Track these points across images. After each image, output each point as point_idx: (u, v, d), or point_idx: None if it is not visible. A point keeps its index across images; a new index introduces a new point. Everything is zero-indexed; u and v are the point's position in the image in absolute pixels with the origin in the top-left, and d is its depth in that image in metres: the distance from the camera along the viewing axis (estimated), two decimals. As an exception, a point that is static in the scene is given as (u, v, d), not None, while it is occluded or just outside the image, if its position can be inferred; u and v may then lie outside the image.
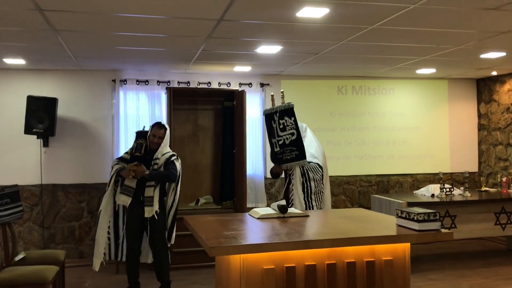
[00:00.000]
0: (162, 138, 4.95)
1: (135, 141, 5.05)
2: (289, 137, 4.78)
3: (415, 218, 2.82)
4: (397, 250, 2.83)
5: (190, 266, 6.01)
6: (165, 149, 5.01)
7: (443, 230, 2.83)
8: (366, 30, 4.53)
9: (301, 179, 4.77)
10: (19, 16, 3.94)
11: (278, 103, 5.08)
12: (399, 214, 2.99)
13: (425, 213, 2.82)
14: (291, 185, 4.79)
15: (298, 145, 4.78)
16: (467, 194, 6.23)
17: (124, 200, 4.91)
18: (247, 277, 2.61)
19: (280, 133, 4.81)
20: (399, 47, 5.33)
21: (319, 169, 4.95)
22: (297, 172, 4.80)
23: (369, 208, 7.10)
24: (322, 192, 4.92)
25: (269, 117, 4.99)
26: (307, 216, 3.41)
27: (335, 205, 7.43)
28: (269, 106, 6.88)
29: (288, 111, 4.84)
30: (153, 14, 3.92)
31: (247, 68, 6.57)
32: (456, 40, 5.02)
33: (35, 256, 4.78)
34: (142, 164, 4.86)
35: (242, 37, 4.78)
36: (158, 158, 4.92)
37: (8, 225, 4.72)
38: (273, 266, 2.66)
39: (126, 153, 5.15)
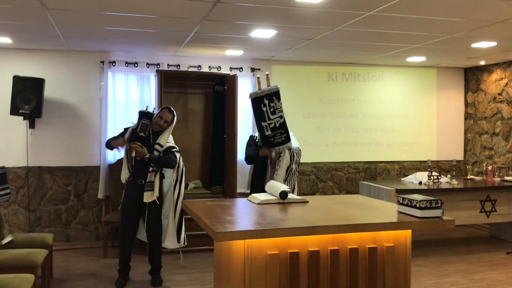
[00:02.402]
0: (168, 123, 4.86)
1: (140, 120, 4.88)
2: (279, 120, 4.78)
3: (418, 205, 2.84)
4: (399, 236, 2.86)
5: (177, 251, 5.98)
6: (169, 138, 4.94)
7: (444, 218, 2.86)
8: (363, 17, 4.51)
9: (288, 161, 4.83)
10: (10, -8, 3.81)
11: (264, 86, 5.00)
12: (401, 201, 3.01)
13: (427, 200, 2.84)
14: (278, 166, 4.81)
15: (285, 128, 4.81)
16: (454, 182, 6.32)
17: (125, 177, 4.86)
18: (251, 263, 2.60)
19: (271, 116, 4.78)
20: (393, 34, 5.34)
21: (300, 152, 5.06)
22: (287, 155, 4.84)
23: (357, 194, 7.17)
24: (296, 175, 5.03)
25: (257, 100, 4.90)
26: (306, 202, 3.41)
27: (323, 191, 7.48)
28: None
29: (275, 94, 4.81)
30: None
31: (239, 52, 6.50)
32: (449, 29, 5.04)
33: (23, 239, 4.70)
34: (143, 146, 4.79)
35: (238, 20, 4.71)
36: (161, 145, 4.82)
37: (-5, 208, 4.63)
38: (277, 252, 2.65)
39: (126, 129, 4.97)
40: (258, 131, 4.90)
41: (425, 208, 2.82)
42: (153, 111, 5.03)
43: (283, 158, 4.84)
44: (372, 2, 4.07)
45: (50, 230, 6.36)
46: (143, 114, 4.95)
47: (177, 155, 4.95)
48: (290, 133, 4.89)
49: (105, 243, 5.92)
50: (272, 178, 4.79)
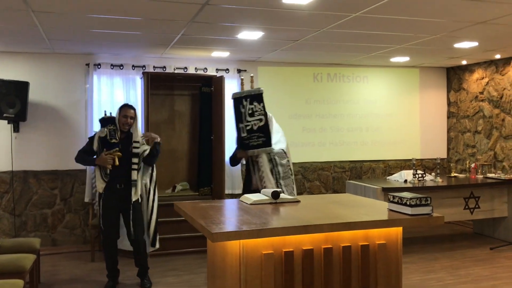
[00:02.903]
0: (133, 118, 4.80)
1: (106, 128, 4.78)
2: (257, 123, 4.74)
3: (408, 203, 2.90)
4: (390, 234, 2.91)
5: (168, 253, 5.98)
6: (140, 132, 4.94)
7: (434, 214, 2.93)
8: (349, 18, 4.57)
9: (269, 165, 4.75)
10: (-4, -5, 3.77)
11: (247, 87, 5.02)
12: (391, 199, 3.06)
13: (417, 198, 2.91)
14: (261, 172, 4.74)
15: (265, 131, 4.75)
16: (439, 179, 6.42)
17: (102, 186, 4.77)
18: (247, 262, 2.63)
19: (249, 118, 4.76)
20: (378, 35, 5.41)
21: (284, 154, 4.93)
22: (265, 159, 4.75)
23: (343, 193, 7.24)
24: (290, 178, 4.91)
25: (237, 101, 4.88)
26: (298, 201, 3.45)
27: (310, 191, 7.54)
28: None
29: (257, 97, 4.78)
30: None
31: (225, 54, 6.52)
32: (432, 30, 5.13)
33: (10, 245, 4.65)
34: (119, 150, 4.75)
35: (225, 22, 4.73)
36: (138, 142, 4.79)
37: (-19, 213, 4.57)
38: (272, 251, 2.68)
39: (91, 139, 4.90)
40: (236, 132, 4.90)
41: (415, 205, 2.89)
42: (111, 115, 5.03)
43: (263, 163, 4.76)
44: (358, 4, 4.12)
45: (36, 234, 6.29)
46: (107, 121, 4.89)
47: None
48: (279, 134, 4.89)
49: (92, 247, 5.87)
50: (258, 182, 4.76)
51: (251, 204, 3.31)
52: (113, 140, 4.73)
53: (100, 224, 4.89)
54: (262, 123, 4.73)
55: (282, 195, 3.40)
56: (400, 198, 2.96)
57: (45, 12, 4.27)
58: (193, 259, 5.84)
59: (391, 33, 5.30)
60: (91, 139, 4.87)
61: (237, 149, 4.99)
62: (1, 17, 4.46)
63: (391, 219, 2.84)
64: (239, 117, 4.85)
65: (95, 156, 4.77)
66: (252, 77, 5.04)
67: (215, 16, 4.48)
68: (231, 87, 6.92)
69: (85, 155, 4.85)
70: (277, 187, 4.71)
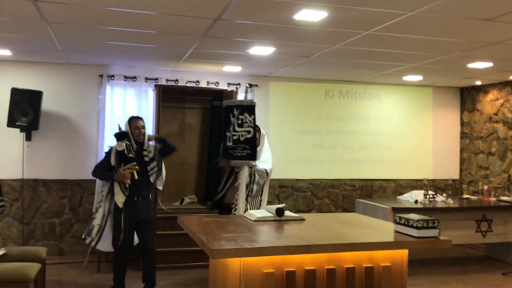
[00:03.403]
0: (144, 127, 4.94)
1: (122, 142, 4.85)
2: (245, 134, 4.68)
3: (414, 225, 2.84)
4: (396, 256, 2.85)
5: (172, 266, 5.94)
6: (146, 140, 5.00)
7: (441, 237, 2.86)
8: (361, 36, 4.56)
9: (247, 179, 4.67)
10: (10, 6, 3.83)
11: (241, 97, 5.04)
12: (398, 221, 3.00)
13: (424, 220, 2.85)
14: (237, 183, 4.70)
15: (251, 144, 4.67)
16: (450, 201, 6.32)
17: (121, 200, 4.83)
18: (247, 281, 2.59)
19: (237, 128, 4.69)
20: (390, 54, 5.38)
21: (265, 175, 4.85)
22: (245, 172, 4.68)
23: (353, 212, 7.16)
24: (260, 199, 4.84)
25: (228, 109, 4.82)
26: (303, 219, 3.40)
27: (319, 209, 7.47)
28: (258, 105, 6.92)
29: (249, 108, 4.73)
30: (147, 10, 3.86)
31: (237, 68, 6.54)
32: (446, 49, 5.09)
33: (16, 253, 4.64)
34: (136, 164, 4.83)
35: (237, 37, 4.75)
36: (147, 150, 4.91)
37: (-11, 220, 4.60)
38: (273, 270, 2.64)
39: (108, 153, 4.97)
40: (222, 140, 4.85)
41: (422, 227, 2.83)
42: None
43: (242, 175, 4.69)
44: (370, 22, 4.11)
45: (43, 243, 6.31)
46: (121, 136, 4.94)
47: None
48: (268, 155, 4.80)
49: (99, 258, 5.86)
50: (229, 193, 4.75)
51: (254, 220, 3.27)
52: (131, 155, 4.81)
53: (118, 236, 4.83)
54: (249, 136, 4.66)
55: (286, 213, 3.36)
56: (407, 219, 2.91)
57: (59, 23, 4.33)
58: (200, 273, 5.78)
59: (403, 52, 5.27)
60: (108, 153, 4.93)
61: (220, 157, 4.96)
62: (17, 27, 4.53)
63: (396, 241, 2.78)
64: (227, 126, 4.80)
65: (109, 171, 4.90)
66: (247, 87, 5.00)
67: (227, 31, 4.50)
68: (242, 101, 6.94)
69: (104, 170, 4.91)
70: (246, 203, 4.64)
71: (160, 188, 5.13)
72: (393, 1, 3.54)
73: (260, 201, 4.80)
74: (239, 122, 4.68)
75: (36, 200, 6.35)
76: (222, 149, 4.80)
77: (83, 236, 5.36)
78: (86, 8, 3.84)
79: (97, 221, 5.18)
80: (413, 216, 2.93)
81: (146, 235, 4.88)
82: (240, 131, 4.66)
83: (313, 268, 2.70)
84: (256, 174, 4.72)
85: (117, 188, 4.83)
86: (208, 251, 2.48)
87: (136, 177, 4.72)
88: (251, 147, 4.64)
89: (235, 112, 4.74)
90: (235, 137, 4.68)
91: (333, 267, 2.74)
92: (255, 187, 4.70)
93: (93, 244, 5.28)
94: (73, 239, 6.47)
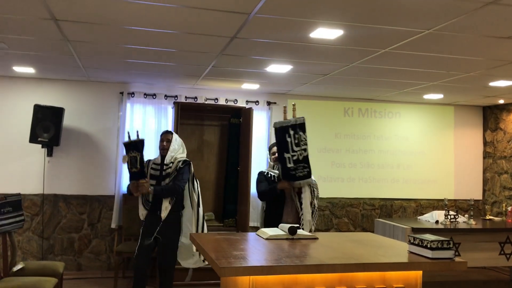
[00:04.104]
0: (170, 141, 4.89)
1: (127, 155, 4.69)
2: (302, 153, 4.56)
3: (429, 246, 2.77)
4: (409, 277, 2.78)
5: (191, 284, 5.91)
6: (177, 154, 4.93)
7: (456, 259, 2.78)
8: (378, 54, 4.53)
9: (310, 197, 4.60)
10: (33, 25, 3.94)
11: (289, 116, 4.79)
12: (412, 241, 2.94)
13: (438, 241, 2.77)
14: (303, 205, 4.57)
15: (308, 162, 4.60)
16: (472, 222, 6.16)
17: (142, 213, 4.86)
18: (256, 300, 2.55)
19: (295, 148, 4.55)
20: (409, 72, 5.34)
21: (317, 185, 4.84)
22: (308, 191, 4.61)
23: (372, 232, 7.04)
24: (317, 210, 4.81)
25: (283, 130, 4.65)
26: (316, 238, 3.35)
27: (337, 228, 7.37)
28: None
29: (301, 126, 4.62)
30: (166, 29, 3.93)
31: (255, 86, 6.57)
32: (467, 67, 5.02)
33: (34, 267, 4.71)
34: (147, 178, 4.78)
35: (254, 55, 4.78)
36: (169, 165, 4.85)
37: (8, 234, 4.67)
38: (283, 290, 2.60)
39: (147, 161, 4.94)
40: (279, 162, 4.64)
41: (437, 248, 2.75)
42: (137, 135, 4.79)
43: (305, 194, 4.60)
44: (386, 40, 4.09)
45: (62, 258, 6.37)
46: (129, 146, 4.73)
47: (187, 169, 4.89)
48: None
49: (116, 273, 5.88)
50: (293, 215, 4.61)
51: (266, 238, 3.24)
52: (133, 169, 4.69)
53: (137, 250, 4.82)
54: (306, 153, 4.58)
55: (299, 231, 3.32)
56: (421, 240, 2.83)
57: (80, 41, 4.43)
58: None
59: (422, 70, 5.22)
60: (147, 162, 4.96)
61: (268, 182, 4.79)
62: (39, 46, 4.66)
63: (408, 262, 2.71)
64: (285, 147, 4.60)
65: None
66: (294, 105, 4.81)
67: (244, 49, 4.53)
68: (260, 118, 6.96)
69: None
70: (311, 220, 4.57)
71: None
72: (409, 20, 3.52)
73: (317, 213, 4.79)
74: (296, 141, 4.58)
75: (56, 215, 6.43)
76: (282, 172, 4.62)
77: None
78: (107, 27, 3.93)
79: None
80: (428, 236, 2.85)
81: (163, 253, 4.82)
82: (298, 150, 4.57)
83: (323, 288, 2.66)
84: (315, 189, 4.71)
85: (139, 199, 4.87)
86: (216, 269, 2.46)
87: (144, 191, 4.68)
88: (308, 164, 4.59)
89: (291, 132, 4.61)
90: (294, 157, 4.56)
91: (344, 287, 2.69)
92: (315, 202, 4.68)
93: None
94: (91, 254, 6.52)
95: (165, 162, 4.87)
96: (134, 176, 4.70)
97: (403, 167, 7.64)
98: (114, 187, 6.51)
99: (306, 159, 4.59)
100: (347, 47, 4.33)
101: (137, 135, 4.79)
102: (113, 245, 6.42)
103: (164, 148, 4.90)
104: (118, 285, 5.88)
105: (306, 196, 4.58)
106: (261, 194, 4.81)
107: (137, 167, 4.67)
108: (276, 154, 4.79)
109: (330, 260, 2.63)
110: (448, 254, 2.77)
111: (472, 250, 5.88)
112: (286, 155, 4.58)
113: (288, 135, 4.61)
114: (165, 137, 4.93)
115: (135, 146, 4.72)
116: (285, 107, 4.82)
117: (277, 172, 4.82)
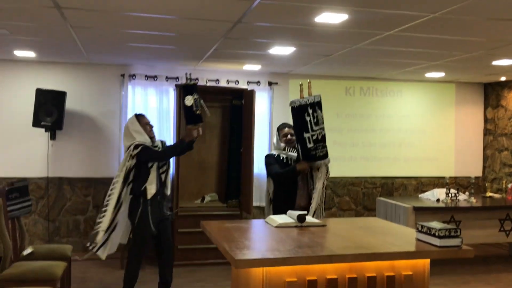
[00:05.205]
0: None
1: (191, 96, 4.50)
2: (321, 132, 4.38)
3: (436, 234, 2.83)
4: (417, 265, 2.85)
5: (194, 264, 6.02)
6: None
7: (464, 247, 2.85)
8: (382, 36, 4.51)
9: (324, 179, 4.45)
10: (36, 12, 3.90)
11: (305, 94, 4.59)
12: (420, 229, 2.99)
13: (446, 229, 2.83)
14: (316, 186, 4.42)
15: (325, 141, 4.44)
16: (473, 200, 6.25)
17: (152, 192, 4.66)
18: (269, 289, 2.62)
19: (315, 127, 4.35)
20: (412, 52, 5.33)
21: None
22: (324, 171, 4.45)
23: (373, 210, 7.15)
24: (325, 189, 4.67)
25: (301, 109, 4.43)
26: (324, 225, 3.41)
27: (339, 206, 7.46)
28: (278, 103, 6.95)
29: (318, 104, 4.45)
30: (167, 14, 3.89)
31: (256, 67, 6.54)
32: (470, 48, 5.02)
33: (43, 251, 4.77)
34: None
35: (257, 38, 4.76)
36: (157, 146, 4.84)
37: (17, 219, 4.72)
38: (295, 279, 2.67)
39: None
40: (299, 143, 4.43)
41: (444, 236, 2.81)
42: (191, 78, 4.63)
43: (321, 175, 4.43)
44: (391, 24, 4.07)
45: (68, 240, 6.45)
46: (190, 88, 4.56)
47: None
48: None
49: (122, 254, 5.96)
50: (305, 198, 4.48)
51: (276, 226, 3.30)
52: (198, 111, 4.58)
53: (141, 231, 4.68)
54: (324, 132, 4.41)
55: (308, 218, 3.38)
56: (429, 228, 2.89)
57: (82, 27, 4.40)
58: (220, 270, 5.84)
59: (425, 51, 5.21)
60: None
61: (280, 164, 4.63)
62: (41, 31, 4.62)
63: (417, 251, 2.77)
64: (304, 127, 4.38)
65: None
66: (309, 82, 4.58)
67: (247, 33, 4.50)
68: (262, 99, 6.96)
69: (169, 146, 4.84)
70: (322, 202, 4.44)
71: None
72: (415, 4, 3.50)
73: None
74: (315, 120, 4.38)
75: (61, 198, 6.48)
76: (302, 153, 4.41)
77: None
78: (108, 14, 3.90)
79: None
80: (435, 224, 2.91)
81: (166, 233, 4.82)
82: (317, 129, 4.37)
83: (335, 277, 2.72)
84: (328, 169, 4.56)
85: (153, 175, 4.64)
86: (232, 261, 2.52)
87: (200, 133, 4.61)
88: (325, 143, 4.42)
89: (310, 111, 4.38)
90: (314, 137, 4.35)
91: (354, 275, 2.76)
92: (326, 182, 4.54)
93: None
94: (97, 236, 6.59)
95: (155, 145, 4.82)
96: (197, 119, 4.58)
97: (404, 145, 7.69)
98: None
99: (324, 138, 4.43)
100: (352, 30, 4.31)
101: (191, 79, 4.66)
102: (118, 227, 6.49)
103: (152, 131, 4.88)
104: (124, 265, 5.96)
105: (321, 176, 4.42)
106: (278, 176, 4.62)
107: (199, 110, 4.55)
108: (289, 136, 4.68)
109: (341, 250, 2.69)
110: (456, 242, 2.84)
111: (472, 227, 5.99)
112: (306, 135, 4.37)
113: (307, 114, 4.39)
114: (148, 120, 4.89)
115: (195, 89, 4.60)
116: (301, 85, 4.57)
117: (291, 154, 4.68)
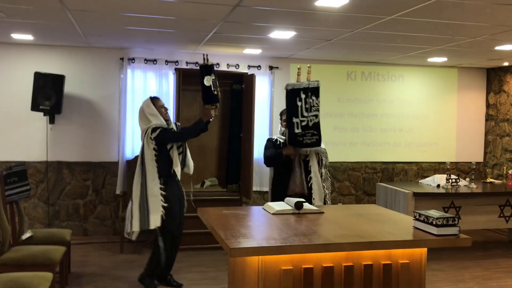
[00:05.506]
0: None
1: (209, 76, 4.47)
2: (313, 119, 4.34)
3: (434, 223, 2.81)
4: (414, 253, 2.84)
5: (194, 248, 6.04)
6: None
7: (461, 236, 2.83)
8: (383, 20, 4.45)
9: (316, 168, 4.46)
10: (32, -5, 3.85)
11: (303, 79, 4.54)
12: (417, 217, 2.98)
13: (444, 218, 2.81)
14: (311, 173, 4.44)
15: (318, 129, 4.40)
16: (473, 185, 6.23)
17: (178, 169, 4.70)
18: (265, 277, 2.62)
19: (305, 113, 4.32)
20: (414, 37, 5.26)
21: (327, 154, 4.72)
22: (315, 159, 4.47)
23: (373, 195, 7.14)
24: (329, 180, 4.70)
25: (293, 93, 4.37)
26: (322, 212, 3.40)
27: (339, 191, 7.45)
28: (278, 87, 6.89)
29: (315, 90, 4.40)
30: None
31: (257, 51, 6.48)
32: (472, 32, 4.95)
33: (42, 235, 4.79)
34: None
35: (257, 22, 4.69)
36: (172, 129, 4.78)
37: (16, 204, 4.73)
38: (291, 267, 2.66)
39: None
40: (287, 127, 4.43)
41: (442, 225, 2.79)
42: (207, 59, 4.58)
43: (312, 163, 4.45)
44: (392, 8, 4.01)
45: (68, 224, 6.47)
46: (208, 69, 4.52)
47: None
48: None
49: (122, 238, 5.98)
50: (299, 184, 4.43)
51: (273, 213, 3.28)
52: (216, 91, 4.55)
53: (167, 219, 4.59)
54: (317, 120, 4.37)
55: (305, 205, 3.36)
56: (426, 216, 2.87)
57: (80, 10, 4.34)
58: (220, 255, 5.87)
59: (427, 35, 5.14)
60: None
61: (277, 149, 4.61)
62: (38, 14, 4.56)
63: (414, 240, 2.75)
64: (294, 111, 4.35)
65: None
66: (309, 67, 4.53)
67: (247, 17, 4.44)
68: (263, 84, 6.90)
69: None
70: (324, 189, 4.46)
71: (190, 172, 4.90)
72: (417, -12, 3.44)
73: (329, 184, 4.64)
74: (307, 106, 4.33)
75: (60, 182, 6.49)
76: (289, 137, 4.39)
77: None
78: (106, -3, 3.84)
79: None
80: (433, 213, 2.89)
81: (182, 213, 4.81)
82: (308, 116, 4.33)
83: (331, 265, 2.71)
84: (323, 158, 4.54)
85: (176, 156, 4.62)
86: (227, 249, 2.51)
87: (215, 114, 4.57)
88: (318, 132, 4.38)
89: (302, 96, 4.33)
90: (303, 123, 4.32)
91: (351, 264, 2.75)
92: (323, 171, 4.52)
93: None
94: (96, 220, 6.62)
95: (170, 127, 4.83)
96: (215, 99, 4.57)
97: (405, 130, 7.65)
98: (117, 154, 6.54)
99: (316, 126, 4.38)
100: (353, 14, 4.24)
101: (207, 59, 4.63)
102: (118, 211, 6.51)
103: (167, 113, 4.83)
104: (124, 249, 6.00)
105: (314, 164, 4.44)
106: (266, 159, 4.68)
107: (216, 91, 4.53)
108: None
109: (337, 239, 2.67)
110: (453, 230, 2.82)
111: (472, 213, 5.99)
112: (295, 120, 4.35)
113: (299, 99, 4.36)
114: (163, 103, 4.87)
115: (212, 70, 4.58)
116: (299, 68, 4.52)
117: (284, 138, 4.68)
